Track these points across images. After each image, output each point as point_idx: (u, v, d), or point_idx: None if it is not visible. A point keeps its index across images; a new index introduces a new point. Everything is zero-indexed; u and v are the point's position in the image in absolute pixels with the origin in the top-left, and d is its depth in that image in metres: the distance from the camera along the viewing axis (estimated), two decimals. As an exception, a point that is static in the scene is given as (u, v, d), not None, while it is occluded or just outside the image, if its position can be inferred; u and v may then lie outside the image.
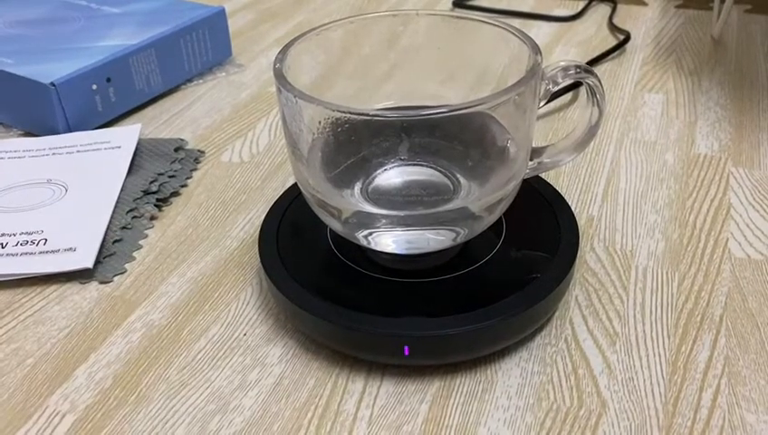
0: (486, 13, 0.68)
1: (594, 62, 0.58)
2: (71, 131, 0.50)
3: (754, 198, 0.42)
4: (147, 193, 0.44)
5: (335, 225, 0.33)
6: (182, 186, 0.45)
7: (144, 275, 0.38)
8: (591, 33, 0.64)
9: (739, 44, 0.62)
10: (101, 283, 0.38)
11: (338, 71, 0.36)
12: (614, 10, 0.67)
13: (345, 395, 0.31)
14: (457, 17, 0.36)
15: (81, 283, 0.38)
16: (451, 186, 0.33)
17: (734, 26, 0.65)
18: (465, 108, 0.28)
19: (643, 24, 0.66)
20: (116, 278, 0.38)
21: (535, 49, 0.31)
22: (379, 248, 0.33)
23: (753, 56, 0.59)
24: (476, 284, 0.33)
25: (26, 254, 0.38)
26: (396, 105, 0.38)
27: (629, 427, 0.29)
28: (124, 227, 0.41)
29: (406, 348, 0.30)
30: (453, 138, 0.33)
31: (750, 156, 0.46)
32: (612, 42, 0.62)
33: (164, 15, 0.57)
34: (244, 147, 0.49)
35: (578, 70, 0.33)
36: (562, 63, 0.32)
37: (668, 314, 0.34)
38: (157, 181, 0.44)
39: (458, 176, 0.33)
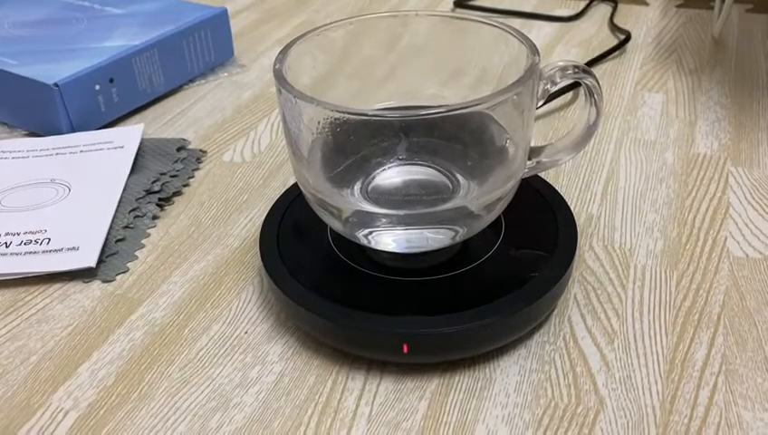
0: (487, 13, 0.69)
1: (595, 61, 0.58)
2: (74, 132, 0.50)
3: (753, 198, 0.42)
4: (149, 192, 0.44)
5: (335, 224, 0.33)
6: (184, 185, 0.46)
7: (146, 273, 0.39)
8: (592, 33, 0.65)
9: (740, 44, 0.62)
10: (104, 281, 0.38)
11: (338, 71, 0.37)
12: (615, 10, 0.68)
13: (345, 392, 0.31)
14: (456, 18, 0.36)
15: (85, 281, 0.38)
16: (450, 185, 0.33)
17: (734, 26, 0.65)
18: (463, 108, 0.28)
19: (644, 23, 0.66)
20: (118, 277, 0.38)
21: (533, 49, 0.31)
22: (379, 247, 0.33)
23: (754, 56, 0.60)
24: (475, 282, 0.33)
25: (30, 253, 0.39)
26: (396, 105, 0.38)
27: (627, 424, 0.29)
28: (127, 227, 0.41)
29: (405, 346, 0.31)
30: (452, 137, 0.33)
31: (749, 155, 0.46)
32: (613, 41, 0.62)
33: (167, 16, 0.58)
34: (246, 147, 0.50)
35: (576, 70, 0.33)
36: (560, 63, 0.33)
37: (666, 312, 0.35)
38: (159, 181, 0.45)
39: (457, 175, 0.34)
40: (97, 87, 0.51)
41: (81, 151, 0.47)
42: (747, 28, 0.65)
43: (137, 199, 0.43)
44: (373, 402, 0.31)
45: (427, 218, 0.32)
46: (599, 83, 0.34)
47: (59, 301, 0.37)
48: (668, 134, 0.49)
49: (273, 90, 0.57)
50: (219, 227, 0.42)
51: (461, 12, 0.70)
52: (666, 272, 0.37)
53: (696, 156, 0.47)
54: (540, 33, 0.65)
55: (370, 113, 0.29)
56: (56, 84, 0.48)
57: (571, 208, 0.37)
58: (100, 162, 0.46)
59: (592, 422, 0.29)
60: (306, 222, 0.37)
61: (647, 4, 0.71)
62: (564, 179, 0.45)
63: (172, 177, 0.46)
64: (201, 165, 0.48)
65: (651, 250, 0.39)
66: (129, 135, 0.49)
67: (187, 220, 0.43)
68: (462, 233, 0.32)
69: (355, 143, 0.33)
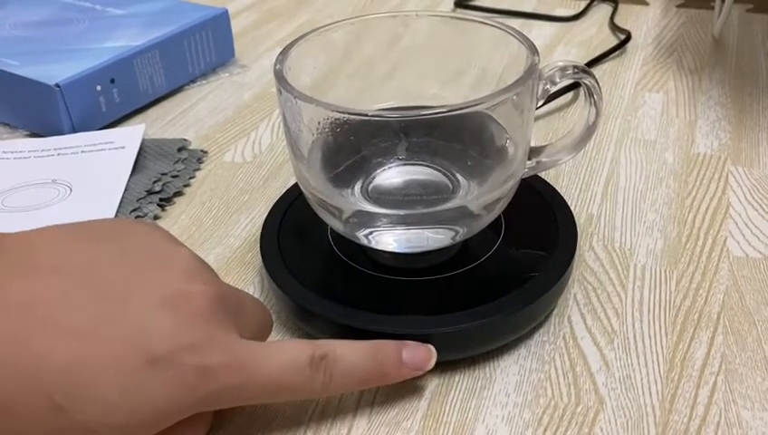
0: (488, 13, 0.69)
1: (595, 61, 0.59)
2: (75, 132, 0.50)
3: (753, 197, 0.43)
4: (150, 193, 0.44)
5: (336, 224, 0.33)
6: (185, 186, 0.46)
7: (147, 273, 0.39)
8: (593, 33, 0.65)
9: (740, 44, 0.62)
10: (105, 281, 0.38)
11: (339, 71, 0.37)
12: (615, 10, 0.68)
13: (345, 392, 0.31)
14: (457, 18, 0.37)
15: (86, 281, 0.38)
16: (450, 185, 0.33)
17: (734, 26, 0.65)
18: (463, 108, 0.28)
19: (644, 23, 0.66)
20: (120, 277, 0.38)
21: (533, 49, 0.31)
22: (379, 247, 0.33)
23: (754, 55, 0.60)
24: (475, 282, 0.33)
25: (31, 253, 0.39)
26: (396, 106, 0.38)
27: (626, 424, 0.29)
28: (128, 227, 0.41)
29: (405, 345, 0.31)
30: (452, 137, 0.34)
31: (749, 155, 0.47)
32: (613, 41, 0.62)
33: (167, 17, 0.58)
34: (247, 147, 0.50)
35: (575, 70, 0.33)
36: (560, 63, 0.33)
37: (666, 311, 0.35)
38: (160, 181, 0.45)
39: (457, 175, 0.34)
40: (98, 87, 0.51)
41: (82, 152, 0.47)
42: (747, 28, 0.65)
43: (138, 200, 0.43)
44: (373, 402, 0.31)
45: (427, 218, 0.32)
46: (598, 83, 0.34)
47: (60, 301, 0.37)
48: (668, 134, 0.49)
49: (273, 90, 0.57)
50: (220, 227, 0.42)
51: (461, 12, 0.70)
52: (666, 272, 0.37)
53: (696, 156, 0.47)
54: (540, 33, 0.65)
55: (371, 114, 0.29)
56: (57, 85, 0.48)
57: (571, 208, 0.37)
58: (101, 163, 0.46)
59: (592, 422, 0.30)
60: (307, 222, 0.37)
61: (647, 4, 0.71)
62: (564, 179, 0.45)
63: (173, 177, 0.46)
64: (202, 165, 0.48)
65: (651, 250, 0.39)
66: (130, 135, 0.49)
67: (188, 220, 0.43)
68: (462, 233, 0.32)
69: (355, 143, 0.33)
